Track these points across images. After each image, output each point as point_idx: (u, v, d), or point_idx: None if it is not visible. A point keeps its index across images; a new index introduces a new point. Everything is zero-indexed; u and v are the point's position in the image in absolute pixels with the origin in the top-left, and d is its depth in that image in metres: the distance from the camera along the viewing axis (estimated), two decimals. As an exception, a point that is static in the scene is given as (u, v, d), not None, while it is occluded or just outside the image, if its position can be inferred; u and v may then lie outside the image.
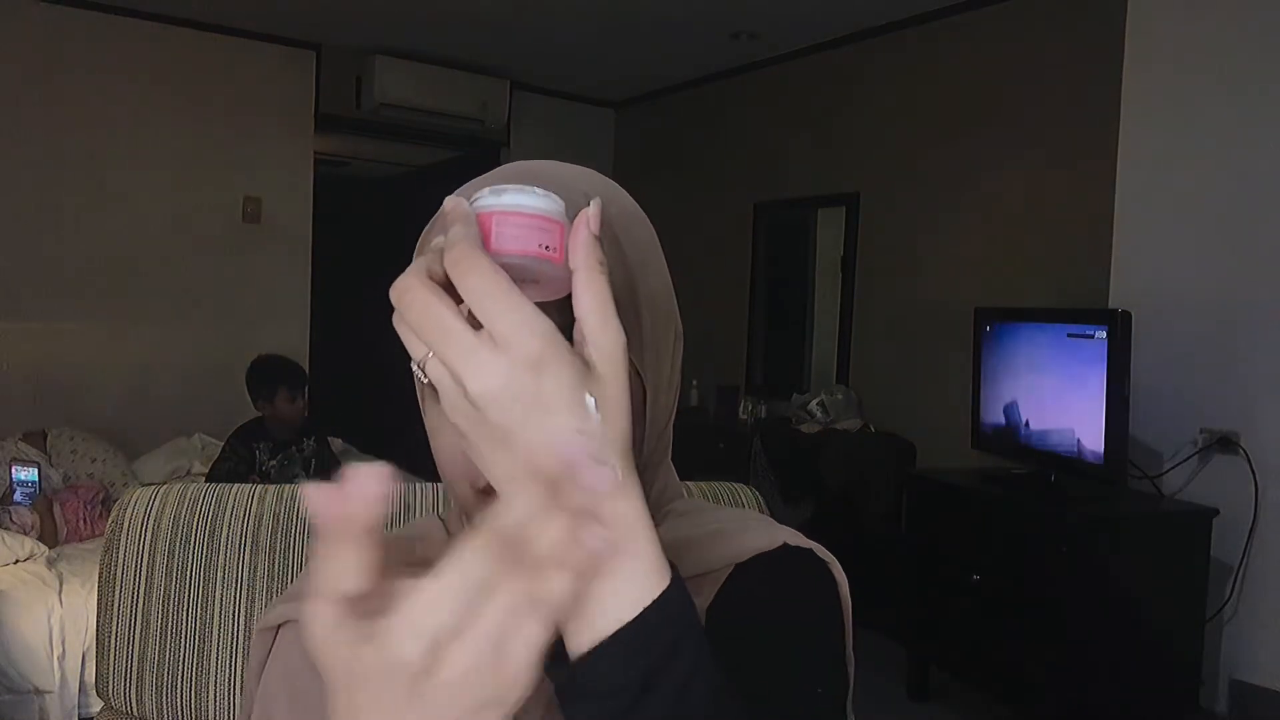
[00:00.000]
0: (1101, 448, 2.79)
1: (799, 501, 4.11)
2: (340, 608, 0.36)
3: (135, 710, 1.10)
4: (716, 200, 5.33)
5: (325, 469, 3.24)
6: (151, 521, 1.10)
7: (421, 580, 0.36)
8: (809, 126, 4.79)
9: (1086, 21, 3.55)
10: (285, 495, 1.14)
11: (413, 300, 0.39)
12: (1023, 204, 3.77)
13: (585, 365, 0.40)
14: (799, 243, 5.04)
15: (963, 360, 3.57)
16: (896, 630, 3.37)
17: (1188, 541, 2.89)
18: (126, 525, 1.10)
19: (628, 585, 0.40)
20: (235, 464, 3.12)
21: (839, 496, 4.05)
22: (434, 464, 0.55)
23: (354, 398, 6.03)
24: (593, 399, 0.39)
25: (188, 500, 1.12)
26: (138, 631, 1.09)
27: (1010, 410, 3.23)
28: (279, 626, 0.65)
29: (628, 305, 0.53)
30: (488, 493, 0.47)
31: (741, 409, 4.72)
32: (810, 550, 0.59)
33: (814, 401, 4.39)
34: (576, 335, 0.41)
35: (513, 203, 0.42)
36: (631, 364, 0.54)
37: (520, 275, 0.41)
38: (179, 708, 1.09)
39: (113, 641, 1.09)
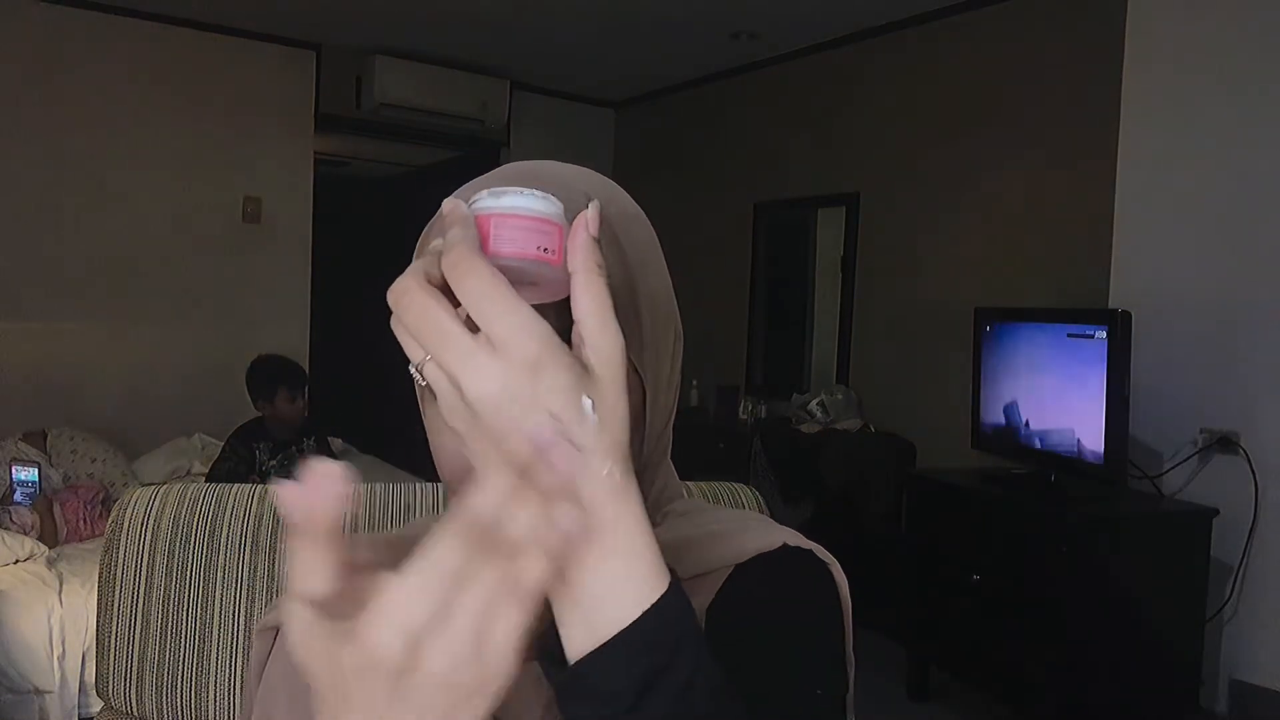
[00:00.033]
0: (1101, 448, 2.79)
1: (799, 501, 4.11)
2: (316, 608, 0.36)
3: (135, 710, 1.10)
4: (716, 200, 5.33)
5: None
6: (151, 521, 1.10)
7: (396, 575, 0.36)
8: (809, 126, 4.79)
9: (1086, 21, 3.55)
10: (285, 495, 1.14)
11: (410, 303, 0.39)
12: (1023, 204, 3.77)
13: (583, 368, 0.40)
14: (799, 243, 5.04)
15: (963, 360, 3.57)
16: (896, 630, 3.37)
17: (1188, 541, 2.89)
18: (126, 525, 1.10)
19: (626, 587, 0.40)
20: (235, 464, 3.12)
21: (839, 496, 4.05)
22: (434, 464, 0.55)
23: (354, 398, 6.03)
24: (590, 401, 0.39)
25: (188, 500, 1.12)
26: (138, 631, 1.09)
27: (1010, 410, 3.23)
28: (279, 626, 0.65)
29: (627, 306, 0.53)
30: None
31: (741, 409, 4.72)
32: (810, 551, 0.59)
33: (814, 401, 4.39)
34: (575, 338, 0.41)
35: (511, 205, 0.42)
36: (631, 364, 0.54)
37: (518, 278, 0.41)
38: (179, 708, 1.09)
39: (113, 641, 1.09)
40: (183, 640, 1.09)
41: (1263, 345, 2.99)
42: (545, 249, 0.42)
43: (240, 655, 1.09)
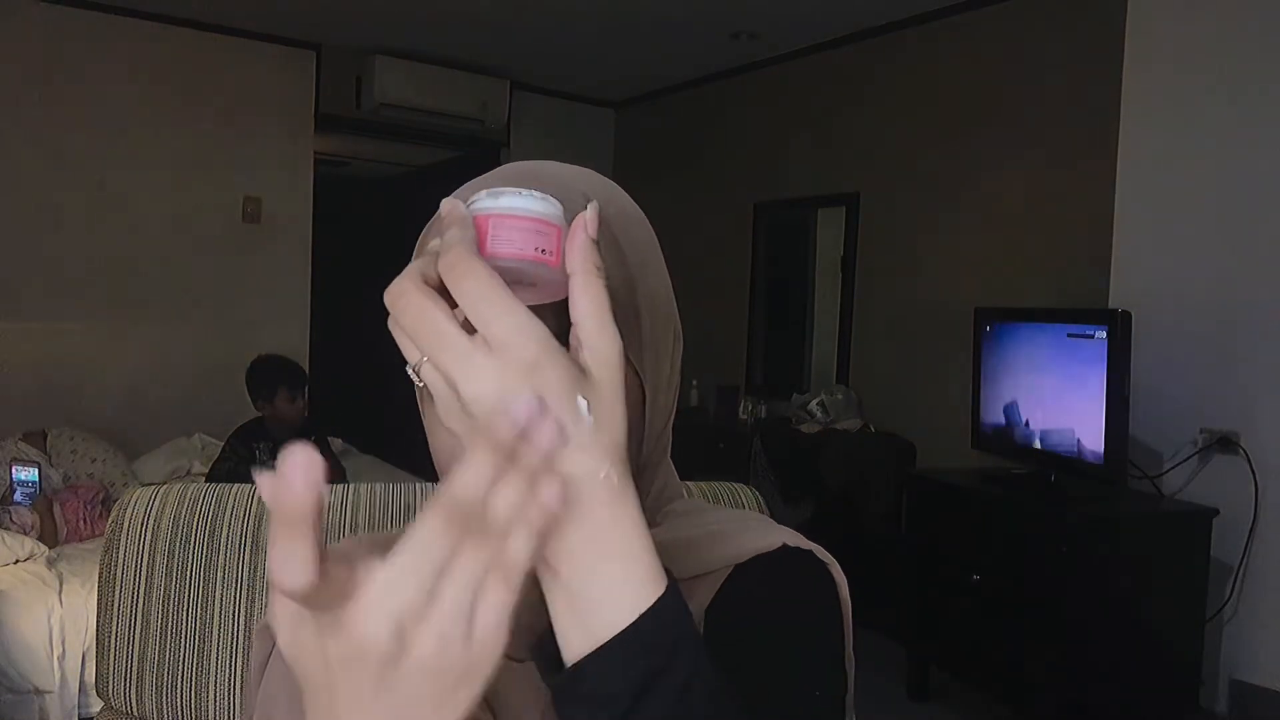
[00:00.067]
0: (1101, 448, 2.79)
1: (799, 501, 4.11)
2: (300, 599, 0.36)
3: (135, 710, 1.10)
4: (716, 200, 5.33)
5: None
6: (151, 521, 1.10)
7: (380, 562, 0.36)
8: (809, 126, 4.79)
9: (1086, 21, 3.55)
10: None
11: (407, 304, 0.39)
12: (1023, 204, 3.77)
13: (580, 370, 0.40)
14: (799, 243, 5.04)
15: (963, 360, 3.57)
16: (896, 630, 3.37)
17: (1188, 541, 2.89)
18: (126, 525, 1.10)
19: (624, 590, 0.40)
20: (235, 464, 3.12)
21: (839, 496, 4.05)
22: (434, 464, 0.56)
23: (354, 398, 6.03)
24: (586, 403, 0.39)
25: (188, 500, 1.12)
26: (138, 631, 1.09)
27: (1010, 410, 3.23)
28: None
29: (626, 306, 0.53)
30: None
31: (741, 409, 4.72)
32: (810, 551, 0.59)
33: (814, 401, 4.39)
34: (572, 340, 0.41)
35: (509, 205, 0.42)
36: (630, 365, 0.54)
37: (516, 279, 0.41)
38: (179, 708, 1.09)
39: (113, 641, 1.09)
40: (183, 640, 1.09)
41: (1263, 345, 2.99)
42: (543, 250, 0.42)
43: (240, 655, 1.09)
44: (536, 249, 0.41)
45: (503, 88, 5.37)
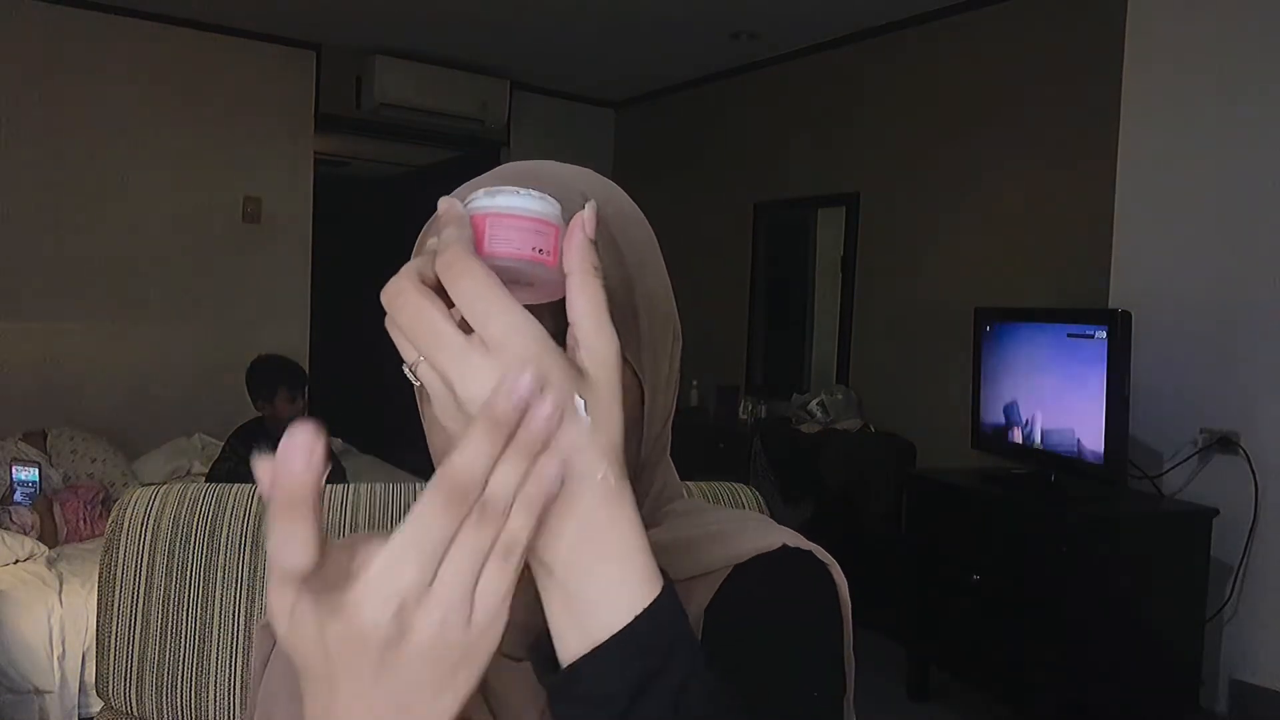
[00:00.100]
0: (1101, 448, 2.79)
1: (799, 501, 4.11)
2: (299, 586, 0.36)
3: (135, 710, 1.10)
4: (716, 200, 5.33)
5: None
6: (151, 521, 1.10)
7: (380, 544, 0.36)
8: (809, 126, 4.79)
9: (1086, 21, 3.55)
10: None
11: (404, 304, 0.39)
12: (1023, 204, 3.77)
13: (577, 370, 0.40)
14: (799, 243, 5.04)
15: (963, 360, 3.57)
16: (896, 630, 3.37)
17: (1188, 541, 2.89)
18: (126, 525, 1.10)
19: (621, 591, 0.40)
20: (235, 464, 3.12)
21: (839, 496, 4.05)
22: (433, 464, 0.55)
23: (354, 398, 6.03)
24: (583, 403, 0.39)
25: (188, 500, 1.12)
26: (138, 631, 1.09)
27: (1010, 410, 3.23)
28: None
29: (625, 306, 0.53)
30: None
31: (741, 409, 4.72)
32: (810, 552, 0.59)
33: (814, 401, 4.39)
34: (569, 340, 0.41)
35: (507, 205, 0.42)
36: (629, 364, 0.54)
37: (513, 278, 0.41)
38: (179, 708, 1.09)
39: (113, 641, 1.09)
40: (183, 640, 1.09)
41: (1263, 345, 2.99)
42: (540, 249, 0.41)
43: (240, 655, 1.09)
44: (534, 248, 0.41)
45: (503, 88, 5.37)
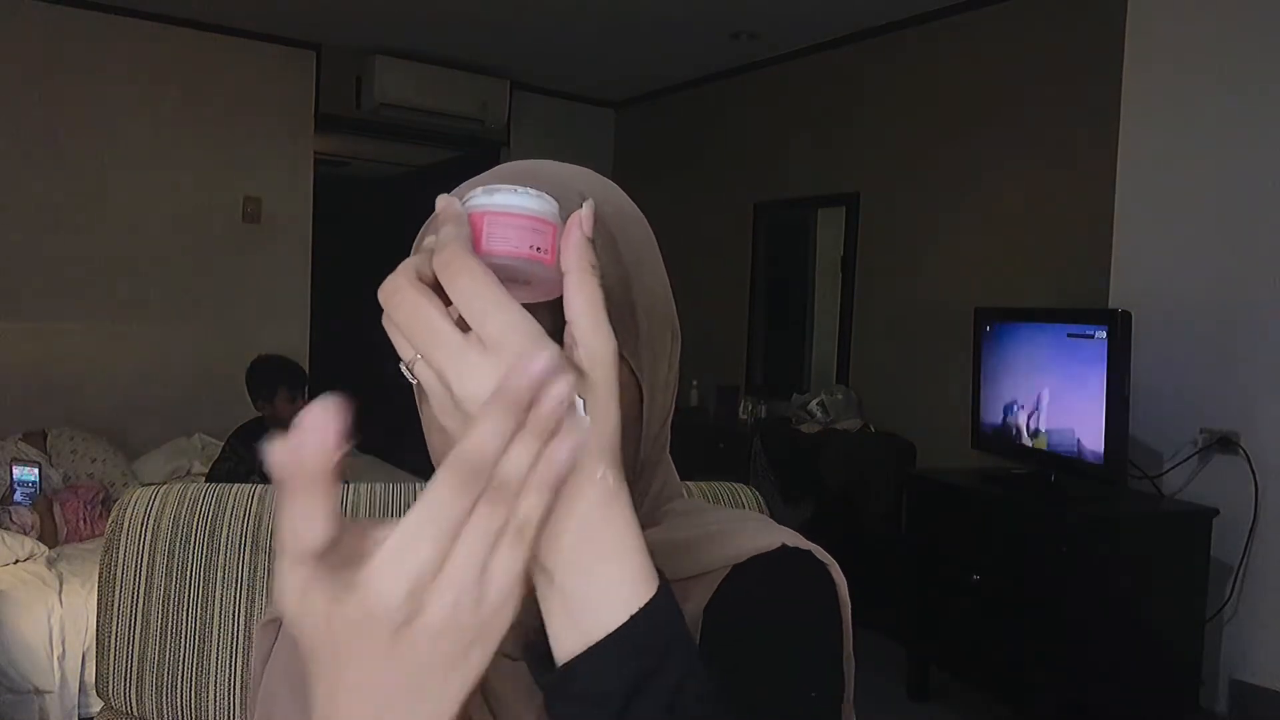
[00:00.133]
0: (1101, 448, 2.79)
1: (799, 501, 4.11)
2: (311, 565, 0.35)
3: (135, 710, 1.10)
4: (716, 200, 5.33)
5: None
6: (151, 521, 1.10)
7: (393, 524, 0.36)
8: (809, 126, 4.79)
9: (1086, 21, 3.55)
10: (285, 495, 1.14)
11: (401, 301, 0.39)
12: (1023, 204, 3.77)
13: (575, 369, 0.40)
14: (799, 243, 5.04)
15: (963, 360, 3.57)
16: (896, 630, 3.37)
17: (1188, 541, 2.89)
18: (126, 525, 1.10)
19: (618, 591, 0.40)
20: (235, 464, 3.12)
21: (839, 496, 4.05)
22: (431, 463, 0.55)
23: (354, 398, 6.02)
24: (581, 402, 0.39)
25: (188, 500, 1.12)
26: (138, 631, 1.09)
27: (1010, 410, 3.23)
28: (282, 619, 0.64)
29: (623, 305, 0.53)
30: None
31: (741, 409, 4.72)
32: (809, 552, 0.59)
33: (814, 401, 4.39)
34: (567, 338, 0.41)
35: (504, 203, 0.41)
36: (628, 364, 0.54)
37: (511, 277, 0.41)
38: (179, 708, 1.09)
39: (113, 641, 1.09)
40: (183, 640, 1.09)
41: (1263, 345, 2.99)
42: (538, 248, 0.41)
43: (240, 655, 1.09)
44: (531, 247, 0.41)
45: (503, 88, 5.37)
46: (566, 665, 0.39)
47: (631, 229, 0.57)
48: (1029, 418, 3.13)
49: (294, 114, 5.01)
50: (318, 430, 0.35)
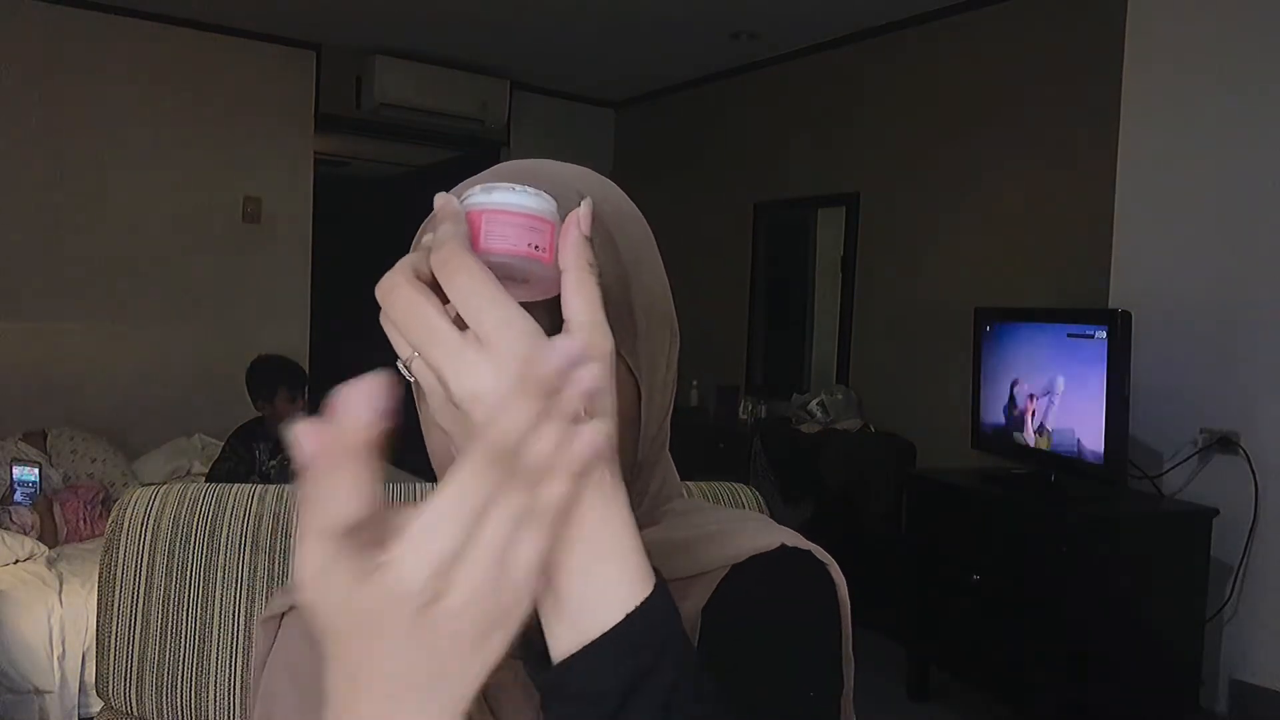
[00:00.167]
0: (1101, 448, 2.79)
1: (799, 501, 4.11)
2: (334, 545, 0.35)
3: (135, 710, 1.10)
4: (716, 200, 5.33)
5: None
6: (151, 521, 1.10)
7: (417, 507, 0.36)
8: (809, 126, 4.79)
9: (1086, 21, 3.55)
10: (285, 495, 1.14)
11: (398, 299, 0.39)
12: (1023, 204, 3.77)
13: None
14: (799, 243, 5.04)
15: (963, 360, 3.57)
16: (896, 630, 3.37)
17: (1188, 541, 2.89)
18: (126, 525, 1.10)
19: (615, 590, 0.39)
20: (235, 464, 3.12)
21: (839, 496, 4.05)
22: (430, 462, 0.55)
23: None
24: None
25: (188, 500, 1.12)
26: (138, 631, 1.09)
27: (1010, 411, 3.23)
28: (282, 615, 0.64)
29: (621, 304, 0.53)
30: None
31: (741, 409, 4.72)
32: (809, 551, 0.59)
33: (814, 401, 4.39)
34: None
35: (502, 201, 0.41)
36: (625, 363, 0.54)
37: (509, 275, 0.41)
38: (179, 708, 1.09)
39: (113, 641, 1.09)
40: (183, 640, 1.09)
41: (1263, 345, 2.99)
42: (536, 246, 0.41)
43: (240, 655, 1.09)
44: (530, 245, 0.41)
45: (503, 88, 5.37)
46: (562, 664, 0.39)
47: (630, 228, 0.57)
48: (1033, 417, 3.13)
49: (294, 114, 5.01)
50: (357, 405, 0.35)
